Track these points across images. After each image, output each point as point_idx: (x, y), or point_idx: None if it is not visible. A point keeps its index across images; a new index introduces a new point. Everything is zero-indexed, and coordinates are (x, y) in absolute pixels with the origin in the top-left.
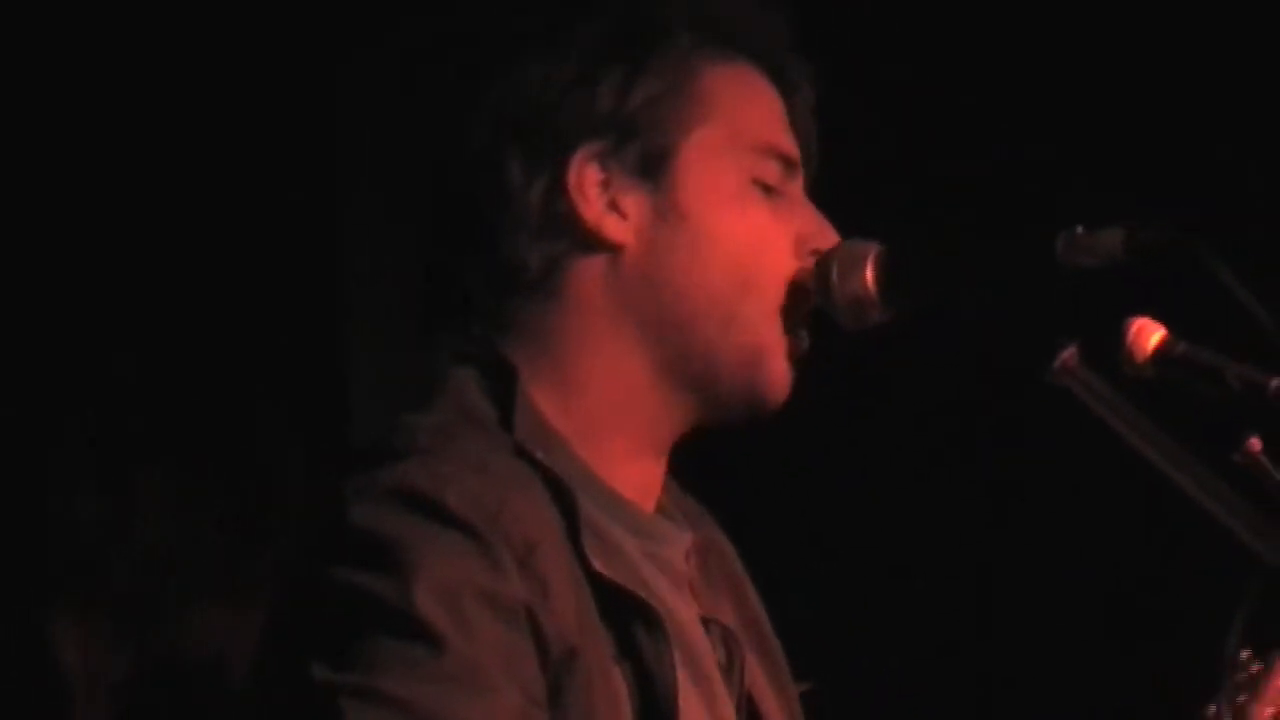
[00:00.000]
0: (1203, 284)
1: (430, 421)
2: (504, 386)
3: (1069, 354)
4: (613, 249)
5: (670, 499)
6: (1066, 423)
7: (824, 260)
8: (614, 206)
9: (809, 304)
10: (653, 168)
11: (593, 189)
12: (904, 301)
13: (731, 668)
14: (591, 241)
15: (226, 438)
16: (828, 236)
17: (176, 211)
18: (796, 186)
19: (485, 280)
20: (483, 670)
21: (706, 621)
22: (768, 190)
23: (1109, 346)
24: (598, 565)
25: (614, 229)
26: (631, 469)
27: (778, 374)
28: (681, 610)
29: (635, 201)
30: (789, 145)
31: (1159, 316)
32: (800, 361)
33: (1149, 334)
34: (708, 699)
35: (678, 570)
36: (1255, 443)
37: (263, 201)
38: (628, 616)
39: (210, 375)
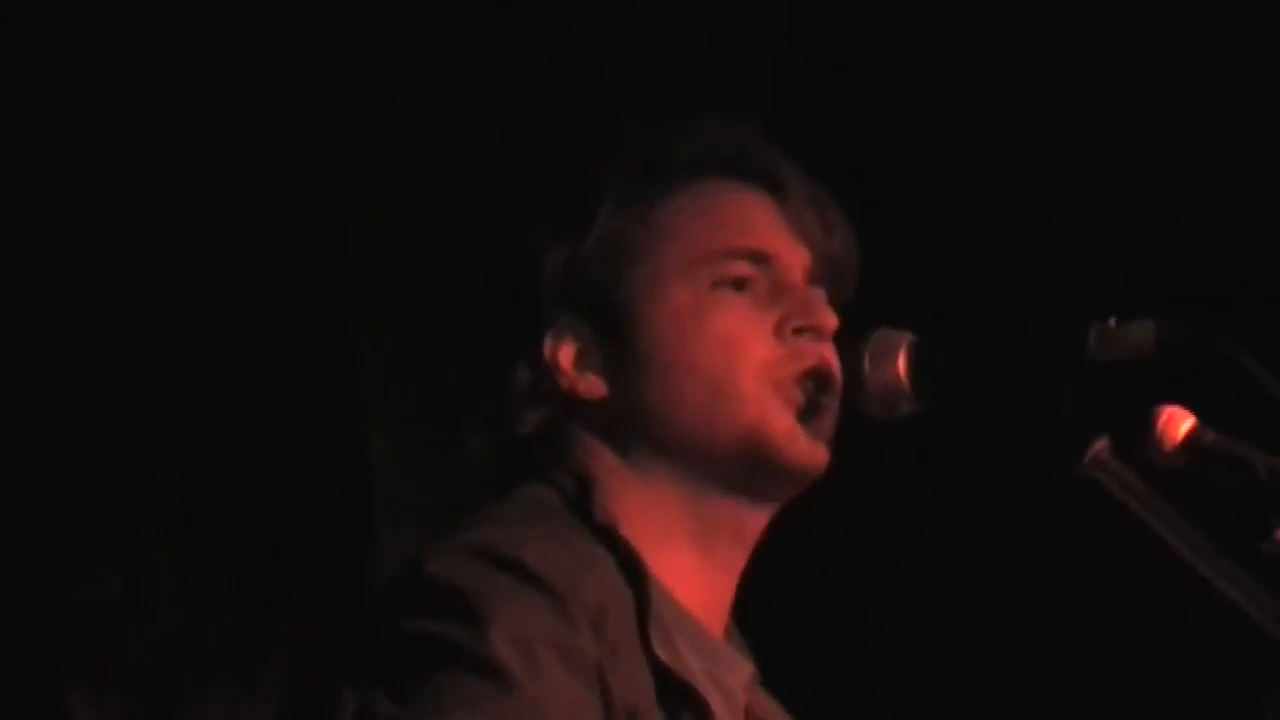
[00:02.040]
0: (1231, 375)
1: (505, 508)
2: (578, 488)
3: (1101, 446)
4: (594, 404)
5: (733, 635)
6: (1095, 514)
7: (855, 349)
8: (588, 367)
9: (811, 370)
10: (606, 320)
11: (567, 360)
12: (935, 392)
13: None
14: (575, 405)
15: (239, 519)
16: (810, 314)
17: (189, 296)
18: (781, 274)
19: (498, 444)
20: (549, 714)
21: None
22: (740, 286)
23: (1137, 436)
24: (659, 650)
25: (589, 388)
26: (700, 587)
27: (782, 435)
28: None
29: (601, 355)
30: (754, 240)
31: (1188, 406)
32: (823, 422)
33: (1178, 423)
34: None
35: (736, 698)
36: None
37: (280, 274)
38: (681, 706)
39: (228, 454)
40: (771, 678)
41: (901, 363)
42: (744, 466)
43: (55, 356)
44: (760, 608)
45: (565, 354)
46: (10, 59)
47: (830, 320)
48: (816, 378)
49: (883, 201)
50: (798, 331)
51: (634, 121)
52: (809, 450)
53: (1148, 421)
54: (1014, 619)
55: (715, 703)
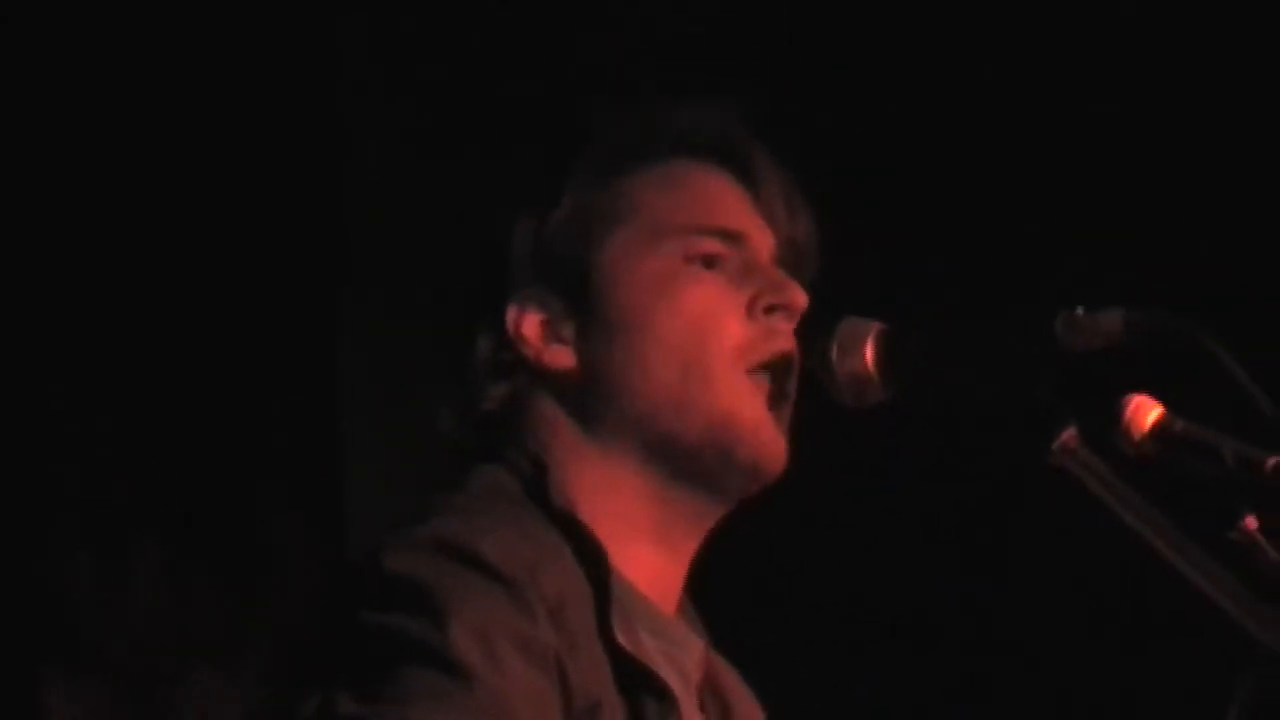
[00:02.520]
0: (1200, 364)
1: (462, 495)
2: (535, 472)
3: (1069, 435)
4: (560, 375)
5: (686, 612)
6: (1063, 504)
7: (824, 337)
8: (555, 338)
9: (777, 358)
10: (576, 289)
11: (532, 330)
12: (903, 381)
13: None
14: (540, 377)
15: (220, 505)
16: (782, 292)
17: (174, 284)
18: (751, 253)
19: (461, 420)
20: (510, 708)
21: None
22: (710, 263)
23: (1106, 425)
24: (621, 638)
25: (554, 359)
26: (651, 569)
27: (753, 429)
28: (689, 713)
29: (569, 326)
30: (726, 218)
31: (1156, 395)
32: (784, 413)
33: (1146, 411)
34: None
35: (689, 675)
36: (1251, 521)
37: (261, 268)
38: (641, 692)
39: (205, 442)
40: (741, 665)
41: (869, 352)
42: (709, 456)
43: (37, 345)
44: (729, 595)
45: (530, 323)
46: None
47: (801, 299)
48: (783, 365)
49: (856, 192)
50: (769, 310)
51: (610, 104)
52: (774, 444)
53: (1116, 410)
54: (982, 607)
55: (673, 682)
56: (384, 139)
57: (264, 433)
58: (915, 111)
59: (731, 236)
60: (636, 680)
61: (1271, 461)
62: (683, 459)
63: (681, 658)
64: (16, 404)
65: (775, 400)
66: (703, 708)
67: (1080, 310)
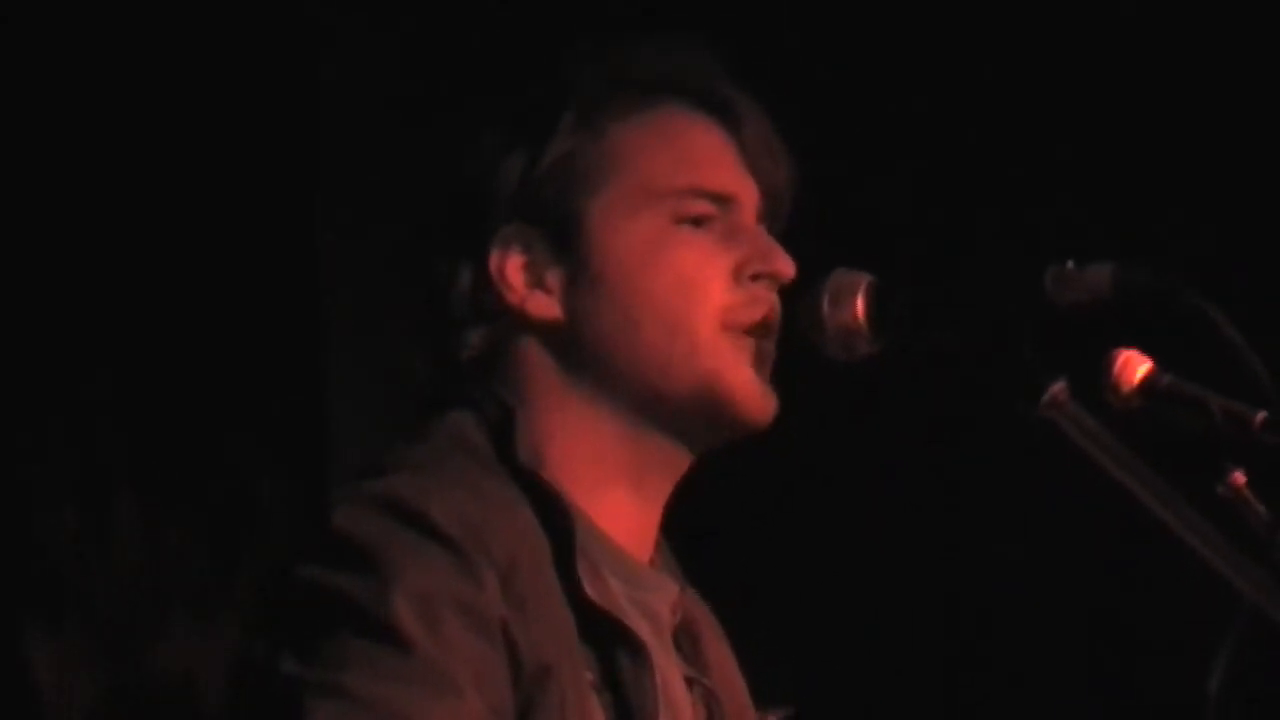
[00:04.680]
0: (1189, 319)
1: (423, 447)
2: (502, 423)
3: (1059, 388)
4: (544, 324)
5: (662, 556)
6: (1052, 456)
7: (814, 289)
8: (538, 284)
9: (762, 320)
10: (565, 238)
11: (515, 274)
12: (894, 334)
13: None
14: (522, 322)
15: (201, 460)
16: (770, 259)
17: (155, 235)
18: (739, 215)
19: (438, 367)
20: (449, 676)
21: (689, 680)
22: (699, 223)
23: (1095, 379)
24: (588, 589)
25: (540, 306)
26: (625, 515)
27: (740, 388)
28: (662, 658)
29: (555, 274)
30: (717, 181)
31: (1145, 350)
32: (766, 370)
33: (1135, 366)
34: None
35: (662, 620)
36: (1239, 476)
37: (242, 223)
38: (611, 644)
39: (187, 397)
40: (726, 626)
41: (860, 304)
42: (695, 414)
43: (16, 301)
44: (712, 550)
45: (513, 266)
46: None
47: (788, 268)
48: (764, 327)
49: (841, 141)
50: (755, 277)
51: (593, 39)
52: (764, 401)
53: (1105, 364)
54: (970, 560)
55: (643, 631)
56: (354, 98)
57: (246, 386)
58: (905, 61)
59: (721, 198)
60: (605, 631)
61: (1259, 417)
62: (666, 411)
63: (654, 603)
64: (1, 358)
65: (759, 357)
66: (679, 648)
67: (1070, 264)
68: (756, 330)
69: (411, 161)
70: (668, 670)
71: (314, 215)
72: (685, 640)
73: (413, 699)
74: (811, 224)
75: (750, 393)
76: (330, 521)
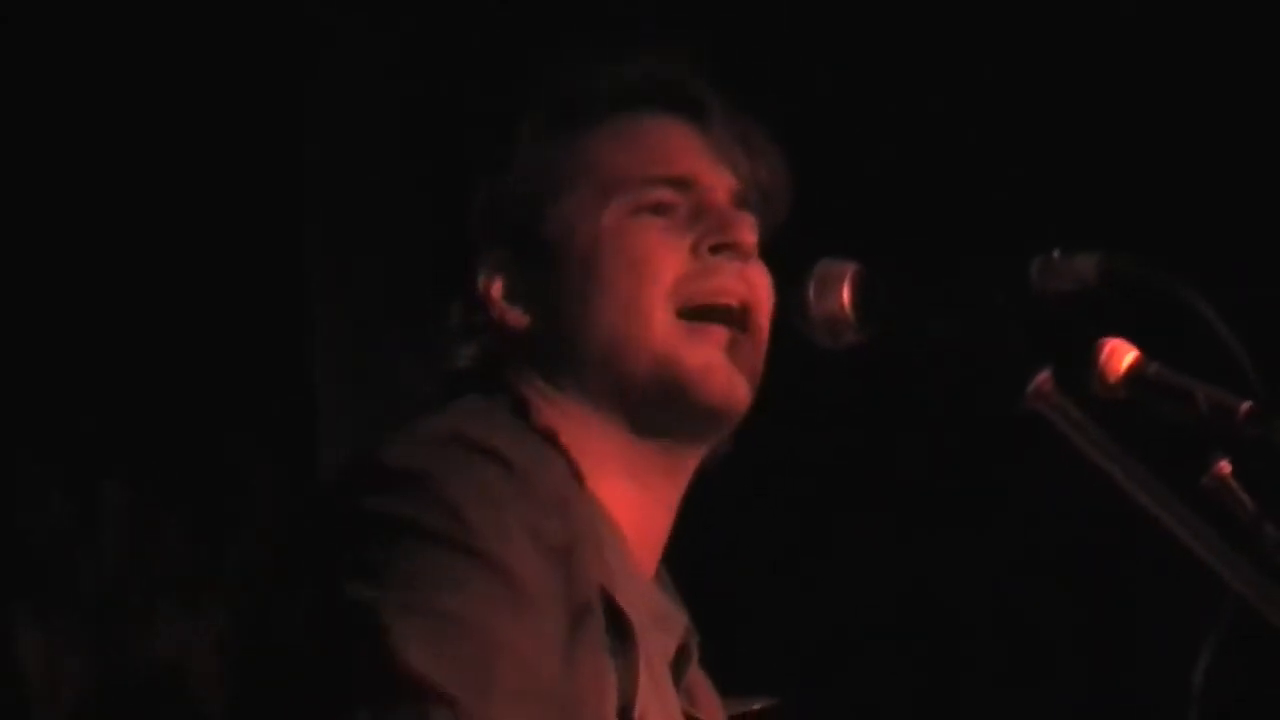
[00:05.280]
0: (1175, 309)
1: (451, 410)
2: (517, 403)
3: (1044, 378)
4: (523, 334)
5: (664, 583)
6: (1037, 446)
7: (800, 278)
8: (513, 298)
9: (718, 295)
10: (531, 251)
11: (498, 292)
12: (879, 322)
13: None
14: (505, 336)
15: (189, 448)
16: (725, 231)
17: (146, 227)
18: (704, 198)
19: (437, 378)
20: (527, 591)
21: (688, 716)
22: (660, 211)
23: (1080, 368)
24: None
25: (514, 319)
26: (636, 514)
27: (696, 370)
28: (645, 677)
29: (528, 284)
30: (675, 166)
31: (1131, 339)
32: (744, 356)
33: (1121, 355)
34: None
35: (657, 645)
36: (1224, 466)
37: (229, 210)
38: (609, 619)
39: (175, 386)
40: (710, 616)
41: (846, 292)
42: (658, 396)
43: (5, 293)
44: (703, 537)
45: (496, 286)
46: None
47: (747, 237)
48: (734, 309)
49: (829, 130)
50: (715, 250)
51: (558, 53)
52: (725, 384)
53: (1091, 354)
54: (957, 551)
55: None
56: (343, 79)
57: (235, 374)
58: (892, 52)
59: (681, 183)
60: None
61: (1244, 406)
62: (635, 401)
63: (648, 621)
64: None
65: (730, 344)
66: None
67: (1056, 253)
68: (720, 313)
69: (404, 153)
70: (652, 690)
71: (303, 209)
72: (688, 683)
73: (499, 615)
74: (797, 214)
75: (707, 375)
76: (382, 459)
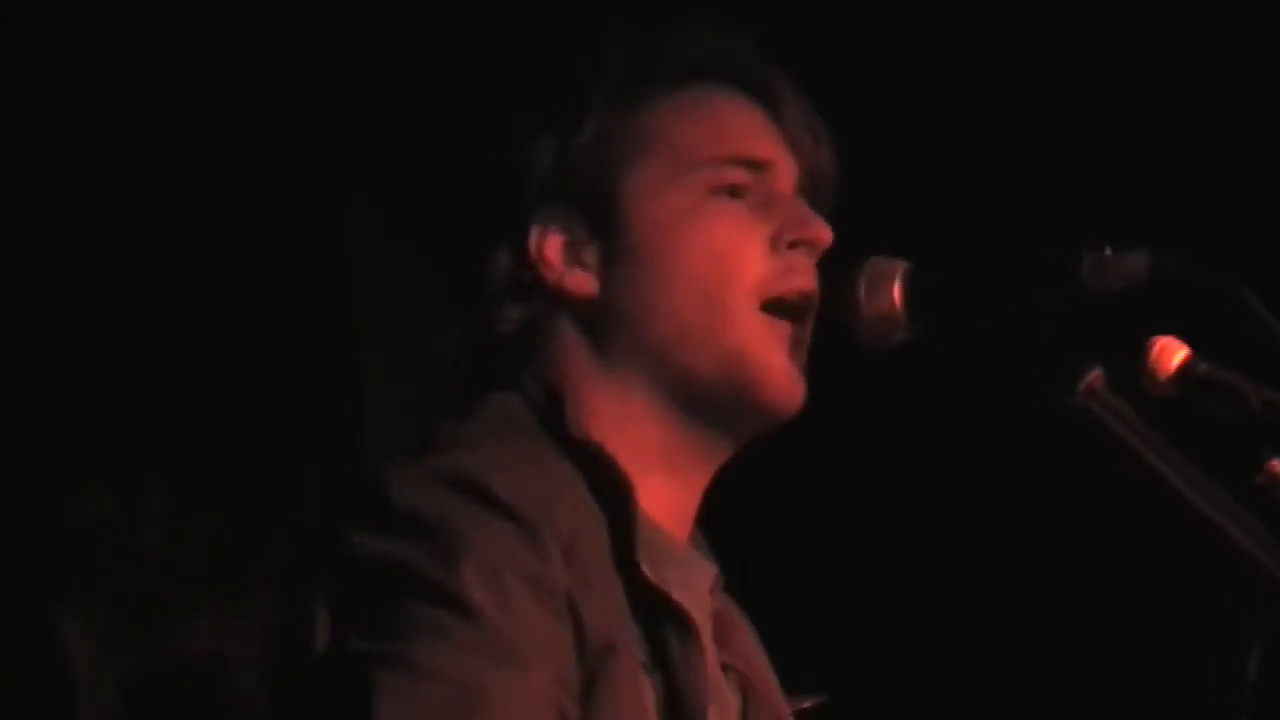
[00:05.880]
0: (1226, 306)
1: (475, 424)
2: (549, 401)
3: (1094, 376)
4: (581, 301)
5: (696, 539)
6: (1087, 444)
7: (850, 276)
8: (576, 262)
9: (797, 294)
10: (601, 215)
11: (554, 252)
12: (930, 320)
13: (747, 716)
14: (560, 301)
15: (232, 442)
16: (806, 227)
17: (186, 220)
18: (776, 184)
19: (475, 347)
20: (519, 647)
21: (725, 666)
22: (735, 193)
23: (1130, 366)
24: (645, 566)
25: (577, 284)
26: (663, 500)
27: (768, 371)
28: (708, 642)
29: (592, 251)
30: (752, 148)
31: (1181, 338)
32: (801, 356)
33: (1172, 353)
34: None
35: (704, 602)
36: (1276, 464)
37: (270, 209)
38: (660, 623)
39: (218, 380)
40: (756, 602)
41: (897, 291)
42: (723, 392)
43: (48, 279)
44: (747, 530)
45: (553, 245)
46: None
47: (826, 235)
48: (804, 306)
49: (881, 127)
50: (793, 245)
51: (630, 22)
52: (791, 387)
53: (1141, 352)
54: (1006, 548)
55: (693, 613)
56: (373, 51)
57: (277, 369)
58: (944, 47)
59: (756, 165)
60: (657, 610)
61: None
62: (697, 394)
63: (697, 585)
64: (30, 340)
65: (794, 343)
66: (715, 635)
67: (1107, 251)
68: (794, 310)
69: (444, 143)
70: (707, 652)
71: (339, 199)
72: (719, 627)
73: (483, 669)
74: (847, 211)
75: (779, 377)
76: (389, 497)
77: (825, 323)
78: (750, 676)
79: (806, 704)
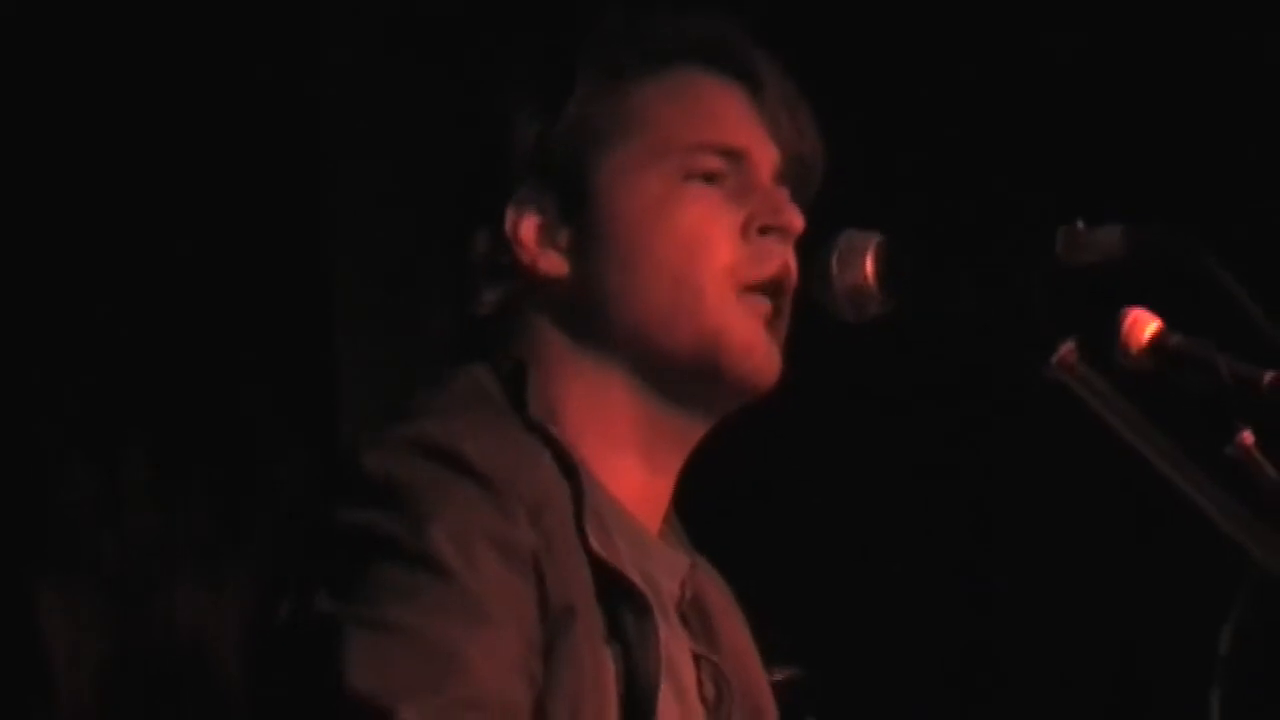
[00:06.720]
0: (1199, 281)
1: (445, 395)
2: (515, 377)
3: (1068, 349)
4: (554, 283)
5: (672, 530)
6: (1061, 417)
7: (823, 250)
8: (550, 243)
9: (768, 280)
10: (577, 197)
11: (529, 233)
12: (903, 294)
13: (720, 706)
14: (534, 282)
15: (211, 419)
16: (778, 214)
17: (165, 196)
18: (752, 172)
19: (454, 323)
20: (487, 607)
21: (697, 657)
22: (710, 180)
23: (1103, 338)
24: (595, 544)
25: (550, 265)
26: (635, 483)
27: (744, 347)
28: (665, 629)
29: (566, 233)
30: (728, 136)
31: (1155, 311)
32: (780, 330)
33: (1144, 325)
34: (685, 717)
35: (666, 595)
36: (1248, 436)
37: (251, 184)
38: (617, 601)
39: (197, 356)
40: (737, 583)
41: (869, 263)
42: (697, 373)
43: (28, 263)
44: (724, 507)
45: (528, 226)
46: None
47: (797, 221)
48: (777, 285)
49: (854, 102)
50: (764, 231)
51: (615, 3)
52: (767, 362)
53: (1114, 324)
54: (980, 522)
55: (649, 594)
56: (355, 24)
57: (257, 345)
58: (916, 23)
59: (732, 153)
60: (612, 587)
61: (1268, 376)
62: (671, 376)
63: (660, 577)
64: (14, 320)
65: (771, 319)
66: (685, 623)
67: (1080, 224)
68: (768, 288)
69: (428, 124)
70: (670, 641)
71: (321, 174)
72: (695, 617)
73: (453, 628)
74: (823, 187)
75: (754, 353)
76: (360, 464)
77: (799, 299)
78: (727, 669)
79: (779, 676)
